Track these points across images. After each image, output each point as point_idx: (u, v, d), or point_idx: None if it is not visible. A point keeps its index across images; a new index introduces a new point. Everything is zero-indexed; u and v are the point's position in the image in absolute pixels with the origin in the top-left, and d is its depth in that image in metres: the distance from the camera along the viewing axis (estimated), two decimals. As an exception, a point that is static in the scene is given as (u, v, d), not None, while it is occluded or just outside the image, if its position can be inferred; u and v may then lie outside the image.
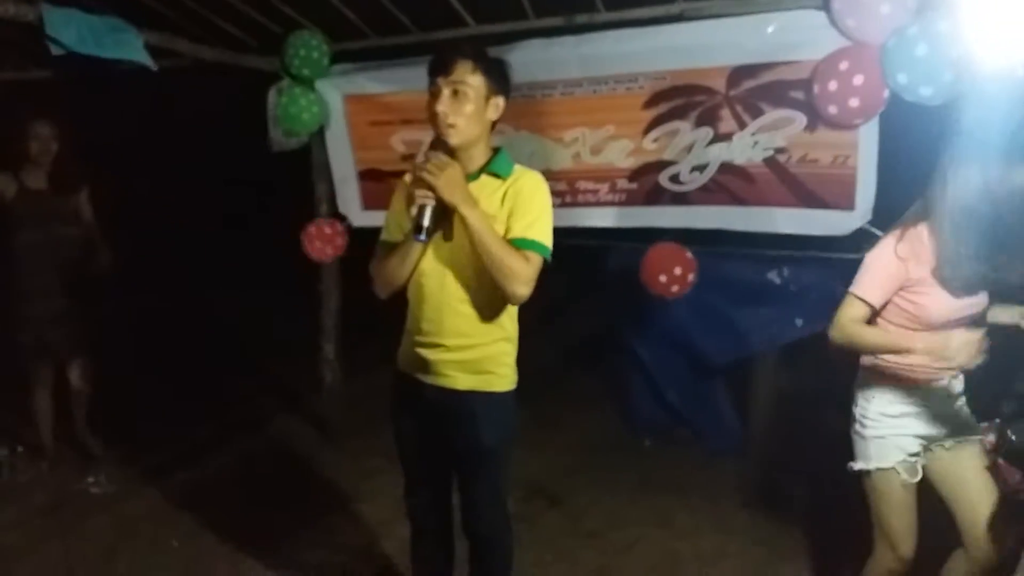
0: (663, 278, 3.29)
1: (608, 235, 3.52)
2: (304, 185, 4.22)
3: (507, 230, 2.06)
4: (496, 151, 2.16)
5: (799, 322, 3.75)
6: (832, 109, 2.76)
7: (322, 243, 4.01)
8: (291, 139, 4.00)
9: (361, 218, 4.10)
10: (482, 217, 2.00)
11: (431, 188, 1.96)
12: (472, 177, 2.10)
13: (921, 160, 2.59)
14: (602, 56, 3.22)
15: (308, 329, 4.42)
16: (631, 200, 3.38)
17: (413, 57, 3.69)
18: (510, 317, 2.20)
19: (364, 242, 4.01)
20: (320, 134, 4.01)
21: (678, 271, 3.29)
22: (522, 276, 2.02)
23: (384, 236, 2.29)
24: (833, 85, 2.72)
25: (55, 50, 3.04)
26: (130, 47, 3.31)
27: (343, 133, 3.97)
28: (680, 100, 3.17)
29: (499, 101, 2.10)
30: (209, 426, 4.50)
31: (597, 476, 3.91)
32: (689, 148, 3.20)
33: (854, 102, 2.70)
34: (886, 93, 2.70)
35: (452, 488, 2.37)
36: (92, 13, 3.19)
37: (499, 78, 2.09)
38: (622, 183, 3.38)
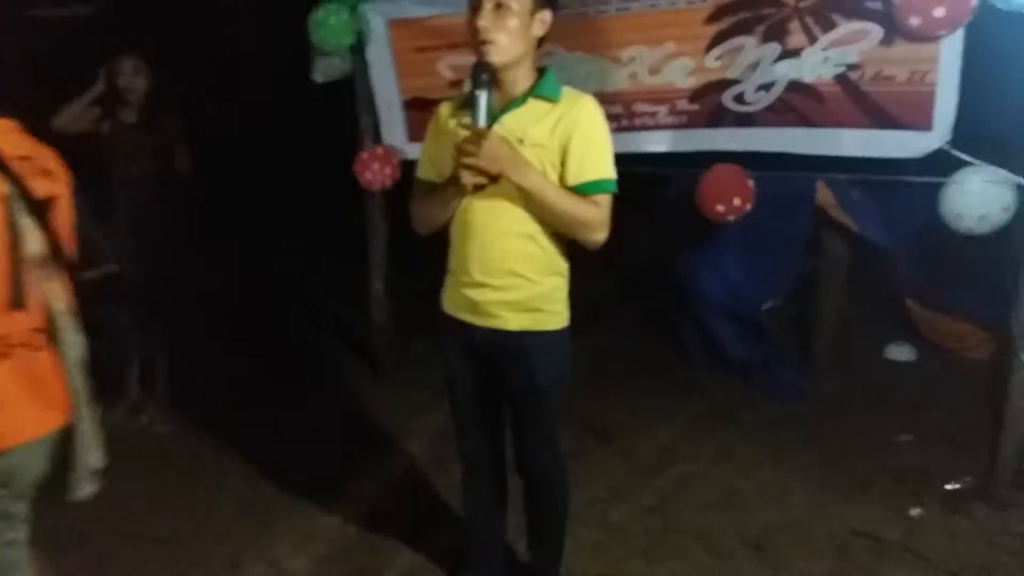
0: (720, 207, 3.14)
1: (666, 161, 3.34)
2: (347, 118, 4.10)
3: (568, 172, 1.93)
4: (542, 71, 2.00)
5: None
6: (914, 20, 2.56)
7: (379, 165, 3.90)
8: (333, 66, 3.86)
9: (408, 150, 3.97)
10: (537, 180, 1.88)
11: (474, 169, 1.84)
12: (518, 102, 1.95)
13: (1011, 76, 2.38)
14: (661, -32, 3.02)
15: (356, 263, 4.35)
16: (692, 122, 3.21)
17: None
18: (562, 252, 2.07)
19: (408, 173, 3.93)
20: (364, 63, 3.86)
21: (736, 201, 3.13)
22: (596, 222, 1.93)
23: (419, 173, 2.19)
24: (915, -7, 2.50)
25: None
26: None
27: (387, 60, 3.82)
28: (746, 13, 2.96)
29: (545, 16, 1.93)
30: (261, 361, 4.50)
31: (650, 411, 3.80)
32: (755, 66, 3.01)
33: (939, 11, 2.51)
34: (974, 1, 2.48)
35: (504, 428, 2.30)
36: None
37: None
38: (682, 104, 3.20)
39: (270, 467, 3.39)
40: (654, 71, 3.21)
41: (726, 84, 3.09)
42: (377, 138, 4.02)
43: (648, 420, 3.72)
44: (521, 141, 1.91)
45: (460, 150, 1.85)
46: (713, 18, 3.01)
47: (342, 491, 3.18)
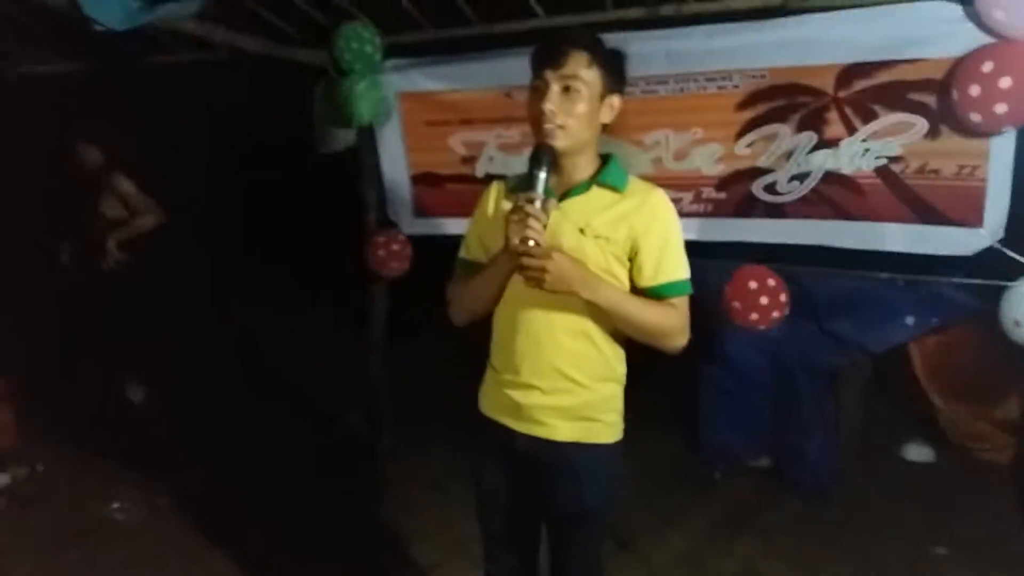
0: (754, 316, 2.95)
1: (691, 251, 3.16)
2: (348, 191, 3.92)
3: (643, 273, 1.75)
4: (606, 158, 1.84)
5: (910, 320, 3.49)
6: (975, 116, 2.39)
7: (387, 256, 3.71)
8: (338, 137, 3.69)
9: (413, 225, 3.79)
10: (612, 295, 1.70)
11: (538, 282, 1.64)
12: (580, 188, 1.78)
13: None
14: (692, 52, 2.89)
15: (350, 340, 4.11)
16: (718, 211, 3.04)
17: (473, 52, 3.39)
18: (620, 356, 1.87)
19: (416, 251, 3.75)
20: (370, 135, 3.70)
21: (764, 300, 2.95)
22: (677, 329, 1.75)
23: (463, 254, 1.99)
24: (975, 89, 2.35)
25: (98, 26, 2.77)
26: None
27: (396, 133, 3.66)
28: (780, 101, 2.82)
29: (614, 101, 1.77)
30: (249, 447, 4.18)
31: (665, 513, 3.53)
32: (788, 155, 2.86)
33: (1000, 108, 2.33)
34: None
35: (539, 550, 2.05)
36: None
37: (616, 74, 1.77)
38: (709, 192, 3.04)
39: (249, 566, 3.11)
40: (680, 156, 3.06)
41: (757, 173, 2.94)
42: (382, 213, 3.83)
43: (664, 523, 3.45)
44: (582, 231, 1.74)
45: (522, 252, 1.62)
46: (745, 104, 2.88)
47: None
